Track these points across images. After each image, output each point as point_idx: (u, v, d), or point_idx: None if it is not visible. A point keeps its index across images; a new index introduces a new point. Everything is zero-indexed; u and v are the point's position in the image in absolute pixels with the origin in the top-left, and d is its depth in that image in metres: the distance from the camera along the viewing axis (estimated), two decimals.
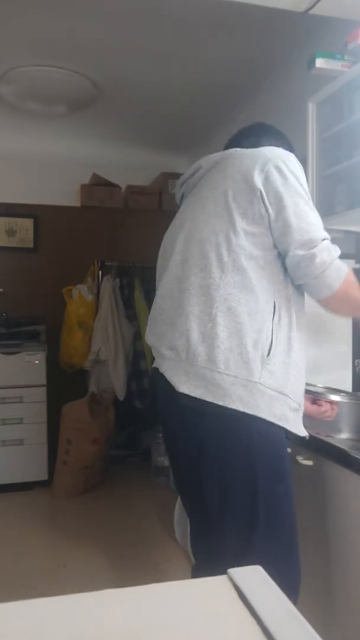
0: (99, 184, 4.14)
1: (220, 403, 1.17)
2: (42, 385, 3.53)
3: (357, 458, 1.28)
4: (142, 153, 4.33)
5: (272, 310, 1.22)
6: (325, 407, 1.52)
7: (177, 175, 4.26)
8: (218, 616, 0.40)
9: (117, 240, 4.10)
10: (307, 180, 2.00)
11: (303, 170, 1.29)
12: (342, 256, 2.23)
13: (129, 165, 4.40)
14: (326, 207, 2.00)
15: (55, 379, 3.65)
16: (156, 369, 1.37)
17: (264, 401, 1.18)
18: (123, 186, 4.24)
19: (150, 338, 1.39)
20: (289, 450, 1.30)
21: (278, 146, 1.38)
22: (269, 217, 1.22)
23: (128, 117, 3.62)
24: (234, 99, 3.30)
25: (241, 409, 1.16)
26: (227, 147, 1.48)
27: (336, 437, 1.52)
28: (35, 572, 2.44)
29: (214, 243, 1.24)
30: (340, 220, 1.92)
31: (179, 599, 0.41)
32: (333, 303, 1.27)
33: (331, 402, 1.53)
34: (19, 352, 3.50)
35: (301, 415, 1.29)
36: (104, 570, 2.47)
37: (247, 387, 1.17)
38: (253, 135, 1.46)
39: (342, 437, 1.60)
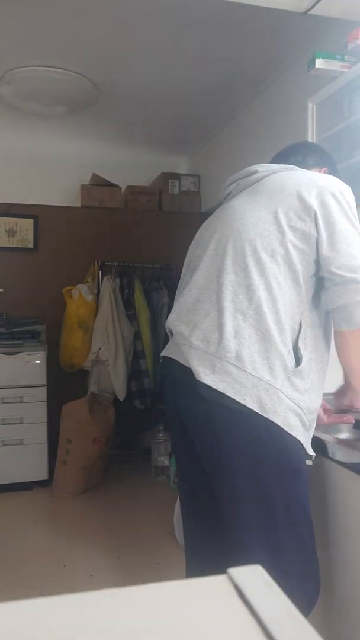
0: (99, 184, 4.14)
1: (241, 401, 1.19)
2: (42, 385, 3.53)
3: (357, 458, 1.28)
4: (142, 153, 4.34)
5: (298, 328, 1.25)
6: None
7: (177, 176, 4.27)
8: (218, 616, 0.39)
9: (117, 240, 4.10)
10: None
11: (354, 200, 1.33)
12: None
13: (129, 165, 4.41)
14: None
15: (55, 379, 3.65)
16: (167, 358, 1.37)
17: (282, 408, 1.20)
18: (123, 186, 4.24)
19: (177, 325, 1.34)
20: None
21: (323, 164, 1.50)
22: (317, 238, 1.24)
23: (128, 117, 3.62)
24: (234, 99, 3.30)
25: (258, 410, 1.19)
26: (274, 160, 1.52)
27: (336, 437, 1.52)
28: (35, 572, 2.44)
29: (259, 247, 1.26)
30: None
31: (179, 599, 0.41)
32: (350, 338, 1.28)
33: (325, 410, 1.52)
34: (19, 352, 3.50)
35: (311, 435, 1.30)
36: (104, 570, 2.47)
37: (268, 390, 1.19)
38: (300, 154, 1.50)
39: (342, 437, 1.60)
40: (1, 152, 4.16)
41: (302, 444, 1.24)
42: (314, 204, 1.25)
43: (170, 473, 3.48)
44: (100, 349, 3.71)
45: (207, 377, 1.22)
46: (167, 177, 4.25)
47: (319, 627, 0.39)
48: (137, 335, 3.82)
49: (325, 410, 1.52)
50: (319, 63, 1.92)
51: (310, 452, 1.29)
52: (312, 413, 1.28)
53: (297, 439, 1.22)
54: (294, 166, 1.41)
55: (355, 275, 1.21)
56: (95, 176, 4.16)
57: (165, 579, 0.44)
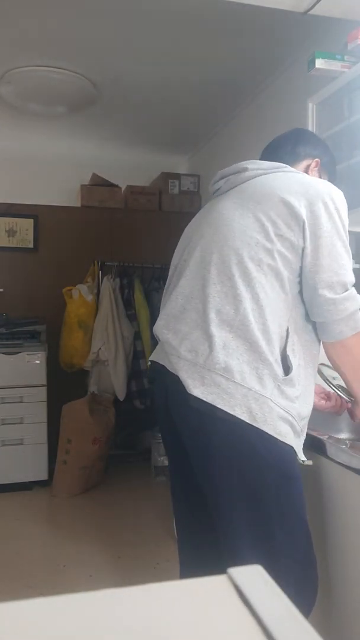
0: (99, 184, 4.14)
1: (231, 412, 1.18)
2: (42, 385, 3.53)
3: (357, 458, 1.28)
4: (142, 153, 4.34)
5: (286, 335, 1.24)
6: (335, 401, 1.54)
7: (177, 176, 4.27)
8: (218, 616, 0.39)
9: (117, 240, 4.10)
10: None
11: (346, 206, 1.31)
12: None
13: (129, 165, 4.40)
14: None
15: (55, 379, 3.65)
16: (156, 363, 1.37)
17: (272, 416, 1.20)
18: (123, 186, 4.24)
19: (165, 333, 1.33)
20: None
21: (314, 153, 1.45)
22: (303, 249, 1.24)
23: (128, 117, 3.62)
24: (234, 99, 3.30)
25: (248, 420, 1.18)
26: (264, 154, 1.49)
27: (336, 437, 1.52)
28: (35, 572, 2.45)
29: (246, 257, 1.25)
30: None
31: (179, 599, 0.41)
32: (337, 349, 1.30)
33: (341, 398, 1.53)
34: (19, 352, 3.50)
35: (302, 441, 1.31)
36: (104, 570, 2.47)
37: (258, 400, 1.19)
38: (289, 143, 1.47)
39: (342, 437, 1.60)
40: (1, 151, 4.16)
41: (295, 450, 1.24)
42: (303, 213, 1.23)
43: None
44: (100, 349, 3.71)
45: (196, 389, 1.21)
46: (167, 177, 4.25)
47: (319, 627, 0.39)
48: (137, 335, 3.82)
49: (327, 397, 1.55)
50: (319, 63, 1.92)
51: (302, 457, 1.28)
52: (303, 419, 1.28)
53: (289, 446, 1.22)
54: (285, 165, 1.37)
55: (335, 297, 1.22)
56: (95, 176, 4.16)
57: (165, 579, 0.44)
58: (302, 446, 1.30)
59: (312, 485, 1.47)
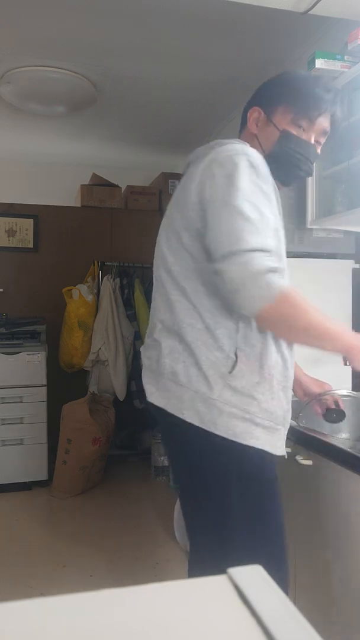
0: (99, 184, 4.14)
1: (180, 416, 1.18)
2: (42, 385, 3.53)
3: (357, 458, 1.28)
4: (142, 153, 4.34)
5: (236, 328, 1.17)
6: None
7: (177, 176, 4.27)
8: (218, 616, 0.40)
9: (117, 240, 4.11)
10: (307, 181, 2.02)
11: (258, 166, 1.15)
12: (342, 256, 2.25)
13: (129, 165, 4.41)
14: (326, 207, 2.00)
15: (55, 379, 3.65)
16: None
17: (222, 419, 1.15)
18: (123, 186, 4.24)
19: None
20: (286, 451, 1.27)
21: (259, 100, 1.29)
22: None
23: (128, 117, 3.62)
24: (234, 99, 3.30)
25: (197, 423, 1.16)
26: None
27: (336, 437, 1.52)
28: (34, 572, 2.44)
29: (171, 263, 1.23)
30: (340, 220, 1.93)
31: (179, 599, 0.41)
32: (262, 323, 1.15)
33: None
34: (19, 352, 3.50)
35: (280, 433, 1.23)
36: (104, 570, 2.47)
37: (205, 402, 1.16)
38: (254, 96, 1.34)
39: (342, 437, 1.60)
40: (1, 151, 4.17)
41: (264, 451, 1.17)
42: (198, 191, 1.15)
43: (170, 473, 3.48)
44: (100, 349, 3.71)
45: (152, 395, 1.24)
46: (167, 177, 4.25)
47: (319, 627, 0.39)
48: (137, 335, 3.83)
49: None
50: (319, 63, 1.92)
51: (279, 453, 1.22)
52: (272, 413, 1.19)
53: (252, 447, 1.16)
54: (216, 142, 1.23)
55: (223, 264, 1.08)
56: (95, 176, 4.16)
57: (165, 579, 0.44)
58: (280, 438, 1.22)
59: (312, 485, 1.47)
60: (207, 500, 1.20)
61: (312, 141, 1.30)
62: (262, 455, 1.18)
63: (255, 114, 1.31)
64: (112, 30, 2.53)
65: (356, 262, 2.16)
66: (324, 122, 1.30)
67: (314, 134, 1.29)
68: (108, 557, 2.60)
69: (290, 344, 1.25)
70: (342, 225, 2.03)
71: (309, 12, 1.94)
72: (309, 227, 2.05)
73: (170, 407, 1.19)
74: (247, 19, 2.37)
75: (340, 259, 2.16)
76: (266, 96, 1.31)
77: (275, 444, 1.21)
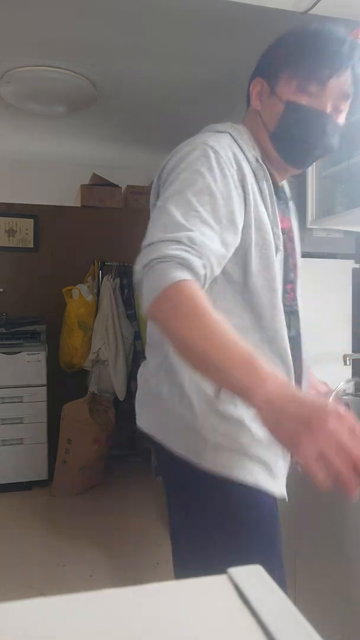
0: (99, 184, 4.14)
1: (167, 443, 1.03)
2: (42, 385, 3.53)
3: None
4: (142, 153, 4.33)
5: None
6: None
7: None
8: (218, 616, 0.40)
9: (117, 240, 4.10)
10: (307, 181, 2.02)
11: (220, 154, 1.04)
12: (342, 256, 2.25)
13: (129, 165, 4.40)
14: (326, 207, 2.00)
15: (55, 379, 3.65)
16: None
17: (207, 450, 0.98)
18: (123, 186, 4.23)
19: None
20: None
21: (279, 62, 1.06)
22: None
23: (128, 117, 3.62)
24: (234, 99, 3.30)
25: (182, 452, 1.00)
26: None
27: None
28: (34, 572, 2.44)
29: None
30: (340, 220, 1.93)
31: (179, 599, 0.41)
32: (154, 324, 0.96)
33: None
34: (19, 352, 3.50)
35: (279, 470, 1.03)
36: (104, 570, 2.47)
37: (189, 429, 0.99)
38: (256, 66, 1.17)
39: None
40: (1, 151, 4.16)
41: (258, 487, 0.98)
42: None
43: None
44: (100, 349, 3.71)
45: (140, 419, 1.11)
46: None
47: (319, 627, 0.39)
48: (137, 335, 3.83)
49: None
50: None
51: (277, 492, 1.01)
52: (268, 444, 0.98)
53: (242, 483, 0.97)
54: (205, 131, 1.07)
55: (145, 243, 0.96)
56: (95, 176, 4.16)
57: (166, 579, 0.44)
58: (279, 479, 1.02)
59: (312, 486, 1.46)
60: (190, 529, 1.06)
61: (329, 109, 1.04)
62: (253, 494, 0.98)
63: (257, 86, 1.12)
64: (112, 30, 2.53)
65: (356, 262, 2.16)
66: (341, 82, 1.01)
67: (330, 99, 1.03)
68: (108, 557, 2.59)
69: (295, 358, 1.04)
70: (342, 225, 2.03)
71: (309, 12, 1.94)
72: (309, 227, 2.05)
73: (156, 433, 1.06)
74: (247, 19, 2.37)
75: (340, 259, 2.16)
76: (268, 63, 1.09)
77: (274, 482, 1.01)
